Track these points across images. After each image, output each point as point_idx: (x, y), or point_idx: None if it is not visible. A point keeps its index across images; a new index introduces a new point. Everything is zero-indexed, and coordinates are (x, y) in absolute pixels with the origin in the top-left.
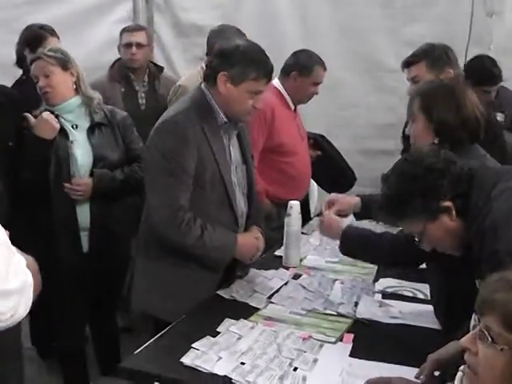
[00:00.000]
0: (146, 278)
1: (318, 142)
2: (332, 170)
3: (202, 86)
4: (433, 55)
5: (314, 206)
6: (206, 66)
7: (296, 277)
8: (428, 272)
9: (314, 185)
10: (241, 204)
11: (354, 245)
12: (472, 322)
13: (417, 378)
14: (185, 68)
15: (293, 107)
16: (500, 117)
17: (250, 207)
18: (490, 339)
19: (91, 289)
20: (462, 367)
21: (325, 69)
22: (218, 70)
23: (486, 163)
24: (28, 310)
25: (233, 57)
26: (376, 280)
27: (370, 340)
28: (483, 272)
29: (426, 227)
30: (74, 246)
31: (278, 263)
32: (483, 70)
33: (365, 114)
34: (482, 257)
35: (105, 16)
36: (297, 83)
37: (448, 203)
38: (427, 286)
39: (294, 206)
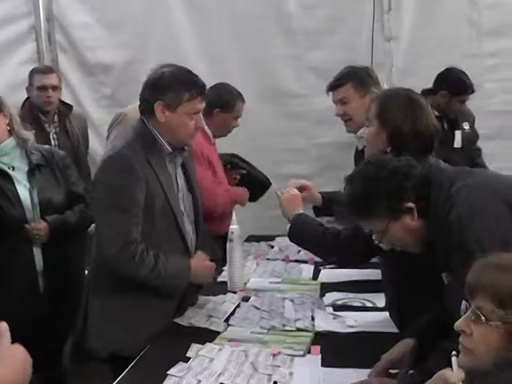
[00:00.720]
0: (101, 314)
1: (234, 163)
2: (254, 183)
3: (143, 118)
4: (358, 76)
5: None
6: (139, 100)
7: (246, 299)
8: (381, 269)
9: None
10: (189, 232)
11: (301, 233)
12: (462, 307)
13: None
14: (93, 106)
15: (213, 141)
16: (466, 125)
17: (198, 235)
18: (483, 318)
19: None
20: (453, 352)
21: (244, 101)
22: (153, 100)
23: (439, 165)
24: None
25: (163, 84)
26: (323, 295)
27: (336, 349)
28: (453, 262)
29: (389, 226)
30: (32, 288)
31: (223, 288)
32: (460, 81)
33: (278, 139)
34: (450, 248)
35: (8, 57)
36: (220, 119)
37: (411, 204)
38: (373, 295)
39: (235, 230)
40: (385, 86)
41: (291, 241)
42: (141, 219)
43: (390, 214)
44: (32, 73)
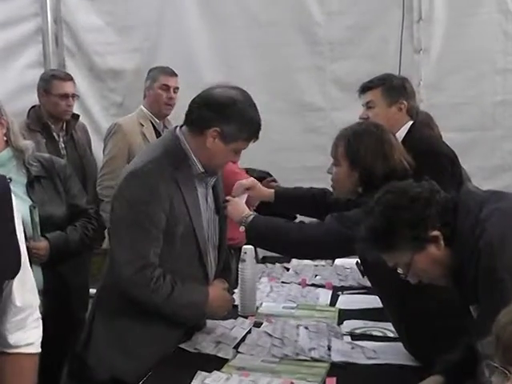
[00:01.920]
0: (105, 336)
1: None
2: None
3: (177, 131)
4: (390, 83)
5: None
6: (191, 110)
7: (257, 325)
8: (383, 304)
9: None
10: (211, 258)
11: (260, 233)
12: (486, 373)
13: None
14: (102, 115)
15: None
16: None
17: (220, 261)
18: None
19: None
20: None
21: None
22: (211, 124)
23: (468, 188)
24: None
25: (230, 114)
26: (340, 323)
27: (354, 382)
28: (481, 293)
29: (413, 258)
30: None
31: (233, 312)
32: None
33: (293, 156)
34: (479, 277)
35: (13, 60)
36: None
37: (436, 232)
38: None
39: (248, 250)
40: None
41: (253, 243)
42: (161, 242)
43: (414, 245)
44: (49, 79)
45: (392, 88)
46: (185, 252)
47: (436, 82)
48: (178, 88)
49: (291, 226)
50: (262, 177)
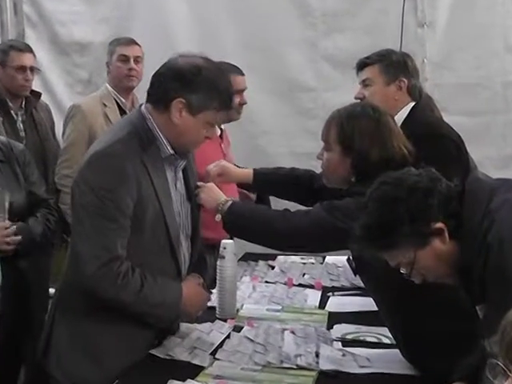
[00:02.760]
0: (67, 340)
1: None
2: None
3: (143, 108)
4: (390, 59)
5: None
6: (152, 84)
7: (237, 329)
8: (378, 306)
9: None
10: (183, 250)
11: (239, 221)
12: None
13: None
14: (66, 93)
15: (218, 132)
16: None
17: (193, 253)
18: None
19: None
20: None
21: (241, 74)
22: (175, 95)
23: (477, 176)
24: None
25: (195, 81)
26: (330, 327)
27: None
28: (489, 292)
29: (417, 255)
30: None
31: (210, 315)
32: None
33: (281, 141)
34: (487, 275)
35: None
36: None
37: (439, 225)
38: None
39: (228, 245)
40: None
41: (230, 232)
42: (128, 232)
43: (416, 241)
44: (6, 50)
45: (391, 64)
46: (154, 243)
47: (442, 60)
48: (140, 57)
49: (274, 214)
50: None
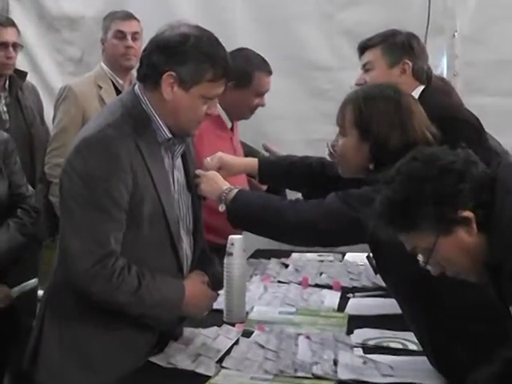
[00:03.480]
0: (58, 345)
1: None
2: None
3: (136, 88)
4: (392, 40)
5: None
6: (141, 61)
7: (247, 334)
8: (402, 307)
9: None
10: (185, 246)
11: (245, 212)
12: None
13: None
14: (56, 73)
15: (229, 125)
16: None
17: (195, 250)
18: None
19: None
20: None
21: (270, 73)
22: (162, 69)
23: (510, 162)
24: None
25: (183, 51)
26: (350, 331)
27: None
28: None
29: (438, 242)
30: None
31: (217, 319)
32: None
33: (295, 127)
34: None
35: None
36: (234, 97)
37: (468, 213)
38: None
39: (237, 241)
40: (444, 58)
41: (235, 224)
42: (123, 225)
43: (439, 226)
44: None
45: (395, 46)
46: (153, 237)
47: (474, 35)
48: (138, 33)
49: (284, 204)
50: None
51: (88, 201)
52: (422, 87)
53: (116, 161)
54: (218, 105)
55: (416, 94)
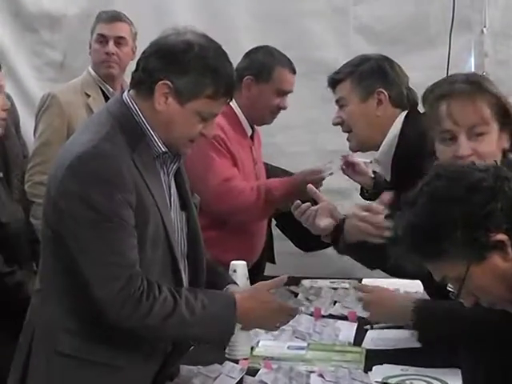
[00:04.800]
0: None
1: None
2: None
3: (125, 96)
4: (361, 70)
5: None
6: (137, 65)
7: (252, 372)
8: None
9: None
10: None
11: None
12: None
13: None
14: (34, 79)
15: (249, 132)
16: None
17: (198, 276)
18: None
19: None
20: None
21: (293, 71)
22: (158, 76)
23: None
24: None
25: (184, 60)
26: (369, 368)
27: None
28: None
29: (470, 271)
30: None
31: (219, 355)
32: None
33: (305, 137)
34: None
35: None
36: (253, 93)
37: (502, 236)
38: (444, 371)
39: (239, 268)
40: (471, 57)
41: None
42: (136, 242)
43: (470, 253)
44: None
45: (364, 75)
46: (156, 261)
47: (506, 30)
48: (124, 38)
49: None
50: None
51: (94, 223)
52: (404, 113)
53: (117, 177)
54: (237, 107)
55: (399, 122)
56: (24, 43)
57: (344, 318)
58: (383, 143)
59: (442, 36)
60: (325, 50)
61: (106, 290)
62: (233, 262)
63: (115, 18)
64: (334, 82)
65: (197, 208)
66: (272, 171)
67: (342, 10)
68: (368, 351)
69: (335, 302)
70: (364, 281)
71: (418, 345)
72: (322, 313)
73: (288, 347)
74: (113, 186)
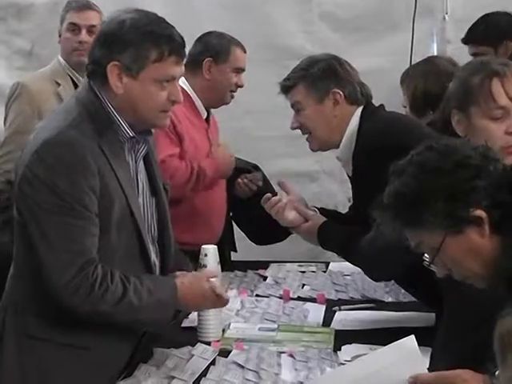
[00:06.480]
0: (19, 371)
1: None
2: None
3: (92, 83)
4: (312, 72)
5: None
6: (88, 59)
7: (224, 353)
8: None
9: None
10: (152, 256)
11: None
12: None
13: None
14: (2, 68)
15: (205, 115)
16: None
17: (165, 260)
18: None
19: None
20: None
21: (244, 50)
22: (105, 61)
23: None
24: None
25: (120, 38)
26: (337, 348)
27: None
28: None
29: (445, 242)
30: None
31: (191, 337)
32: None
33: (272, 122)
34: None
35: None
36: (214, 74)
37: (481, 213)
38: None
39: (210, 251)
40: (434, 43)
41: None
42: (98, 228)
43: (448, 224)
44: None
45: (316, 78)
46: (122, 244)
47: (467, 16)
48: (95, 27)
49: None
50: (246, 170)
51: (57, 208)
52: (360, 108)
53: (82, 163)
54: (192, 90)
55: (356, 118)
56: None
57: (313, 300)
58: (343, 140)
59: (405, 22)
60: (291, 37)
61: (59, 276)
62: (203, 246)
63: (86, 6)
64: (286, 88)
65: (167, 192)
66: (241, 166)
67: None
68: (337, 332)
69: (303, 285)
70: (331, 264)
71: (385, 325)
72: (291, 295)
73: (259, 329)
74: (77, 172)
